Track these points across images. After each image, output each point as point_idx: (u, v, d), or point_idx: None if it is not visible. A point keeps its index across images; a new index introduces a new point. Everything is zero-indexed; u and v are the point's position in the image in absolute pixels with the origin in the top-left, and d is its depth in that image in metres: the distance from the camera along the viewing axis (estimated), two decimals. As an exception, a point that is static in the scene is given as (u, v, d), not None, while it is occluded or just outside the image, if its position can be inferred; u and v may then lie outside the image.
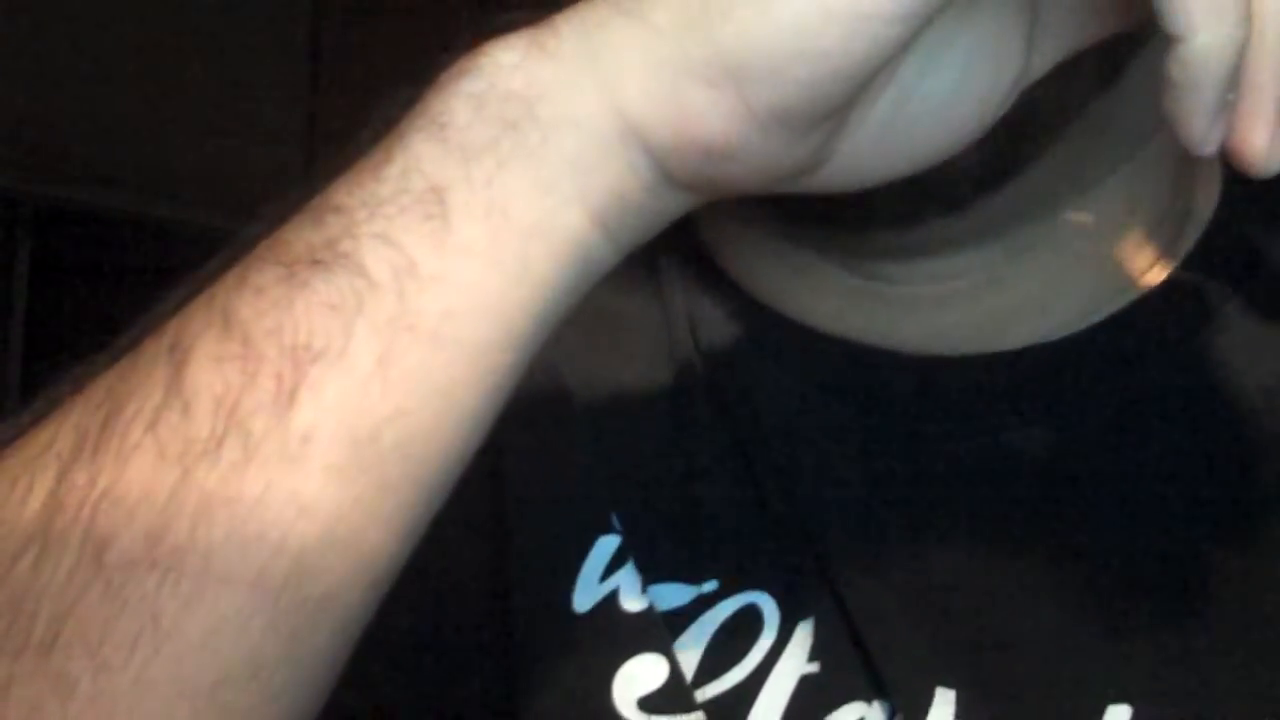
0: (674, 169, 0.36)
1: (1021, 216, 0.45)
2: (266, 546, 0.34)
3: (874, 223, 0.44)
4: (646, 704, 0.44)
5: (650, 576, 0.45)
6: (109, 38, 2.47)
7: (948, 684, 0.43)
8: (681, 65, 0.35)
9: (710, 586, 0.45)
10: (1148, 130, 0.46)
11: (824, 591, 0.44)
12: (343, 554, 0.35)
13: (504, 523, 0.46)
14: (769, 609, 0.45)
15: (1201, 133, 0.34)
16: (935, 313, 0.47)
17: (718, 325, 0.48)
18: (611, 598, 0.45)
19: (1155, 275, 0.47)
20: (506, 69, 0.36)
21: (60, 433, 0.36)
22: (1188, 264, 0.47)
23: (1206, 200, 0.48)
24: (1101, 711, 0.42)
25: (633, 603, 0.45)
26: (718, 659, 0.44)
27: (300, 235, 0.36)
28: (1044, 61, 0.38)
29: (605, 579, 0.45)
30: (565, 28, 0.36)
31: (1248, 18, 0.33)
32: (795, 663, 0.44)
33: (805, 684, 0.44)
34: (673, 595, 0.45)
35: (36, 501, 0.35)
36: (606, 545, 0.46)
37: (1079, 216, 0.46)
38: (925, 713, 0.43)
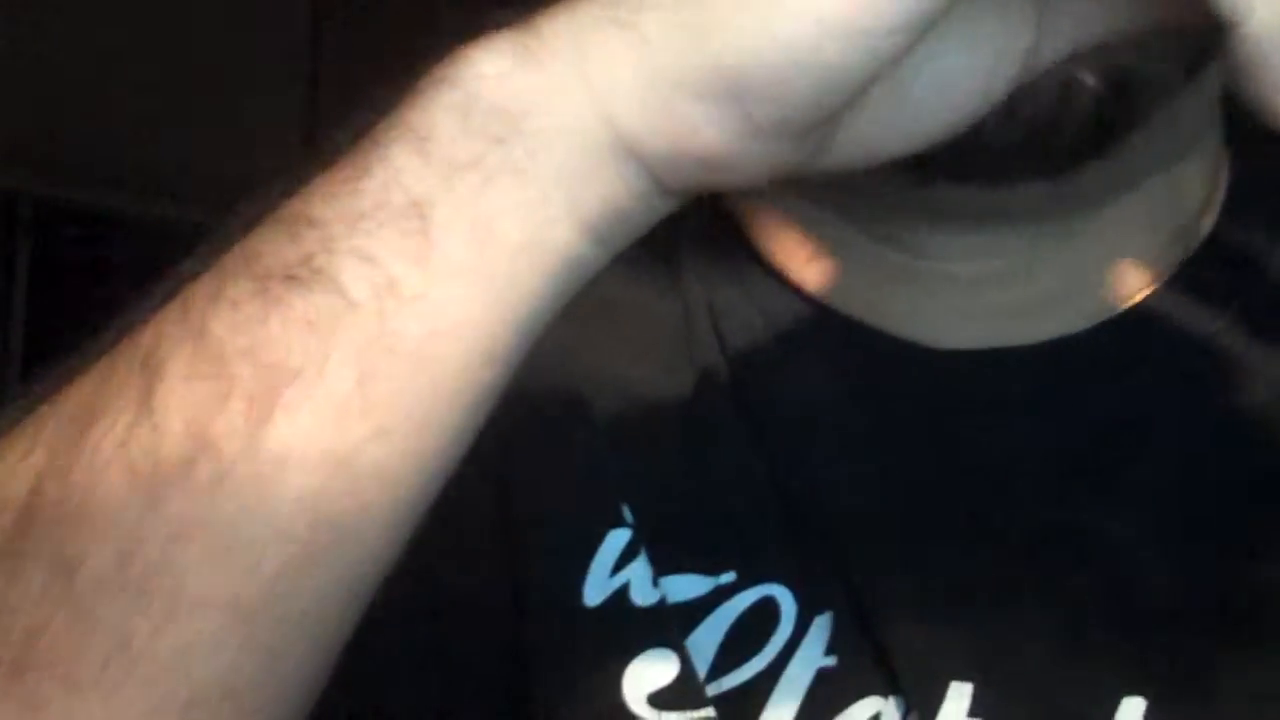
0: (667, 178, 0.36)
1: (1078, 199, 0.45)
2: (240, 569, 0.33)
3: (957, 176, 0.43)
4: (657, 699, 0.44)
5: (666, 568, 0.45)
6: (109, 38, 2.46)
7: (964, 678, 0.43)
8: (677, 78, 0.34)
9: (728, 578, 0.45)
10: (1199, 132, 0.47)
11: (842, 585, 0.44)
12: (321, 574, 0.34)
13: (513, 518, 0.46)
14: (786, 602, 0.45)
15: None
16: (965, 296, 0.46)
17: (740, 313, 0.48)
18: (622, 592, 0.45)
19: (1169, 272, 0.47)
20: (491, 79, 0.35)
21: (35, 443, 0.35)
22: (1197, 260, 0.47)
23: (1214, 202, 0.48)
24: (1116, 704, 0.42)
25: (644, 597, 0.45)
26: (734, 651, 0.44)
27: (275, 248, 0.35)
28: (1059, 42, 0.37)
29: (616, 573, 0.45)
30: (553, 36, 0.35)
31: None
32: (812, 656, 0.44)
33: (821, 677, 0.44)
34: (690, 586, 0.45)
35: (10, 514, 0.35)
36: (617, 539, 0.46)
37: (1122, 210, 0.46)
38: (938, 707, 0.43)
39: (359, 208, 0.35)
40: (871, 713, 0.44)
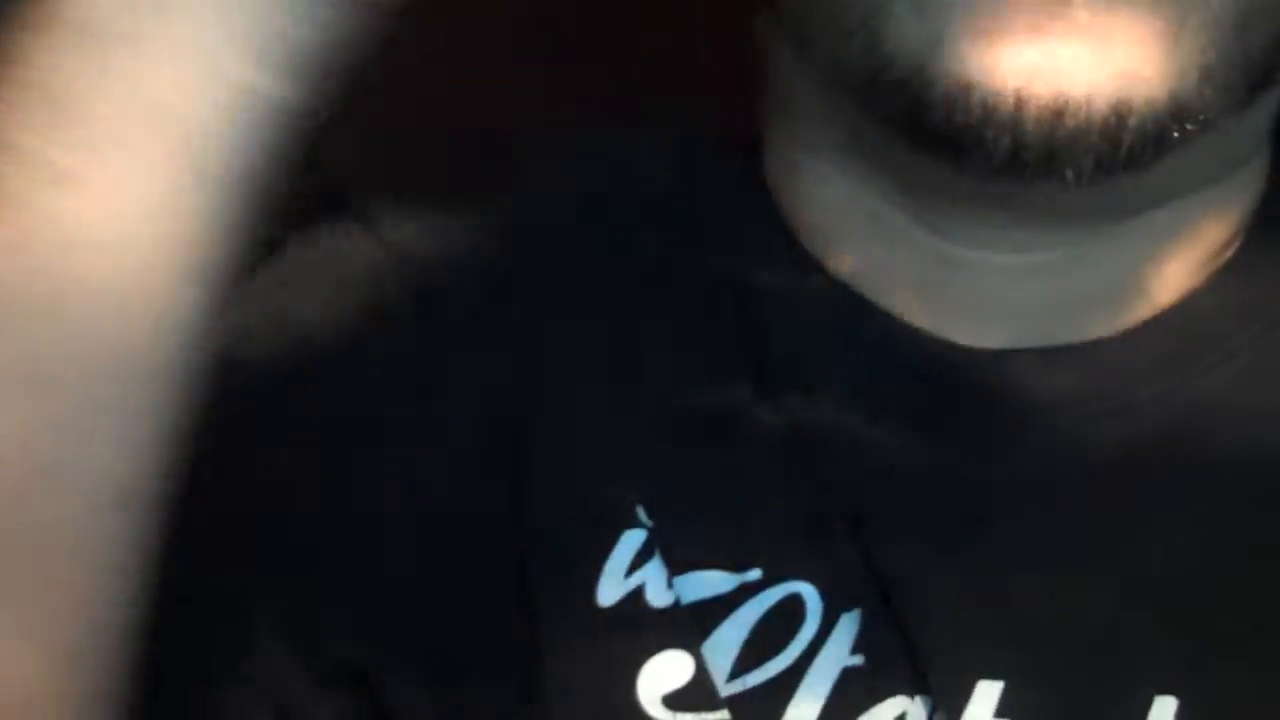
0: None
1: (1115, 204, 0.45)
2: None
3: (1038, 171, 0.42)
4: (672, 701, 0.44)
5: (685, 566, 0.45)
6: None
7: (992, 676, 0.43)
8: None
9: (753, 575, 0.45)
10: (1247, 158, 0.47)
11: (870, 583, 0.44)
12: None
13: (526, 517, 0.46)
14: (812, 599, 0.44)
15: None
16: (1003, 289, 0.46)
17: (770, 304, 0.48)
18: (637, 593, 0.45)
19: (1204, 277, 0.47)
20: None
21: None
22: (1235, 264, 0.47)
23: (1251, 206, 0.49)
24: (1149, 703, 0.42)
25: (659, 598, 0.45)
26: (758, 649, 0.44)
27: None
28: None
29: (631, 574, 0.45)
30: None
31: None
32: (837, 655, 0.44)
33: (847, 676, 0.44)
34: (714, 583, 0.45)
35: None
36: (632, 539, 0.45)
37: (1169, 216, 0.46)
38: (965, 706, 0.43)
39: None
40: (897, 712, 0.43)
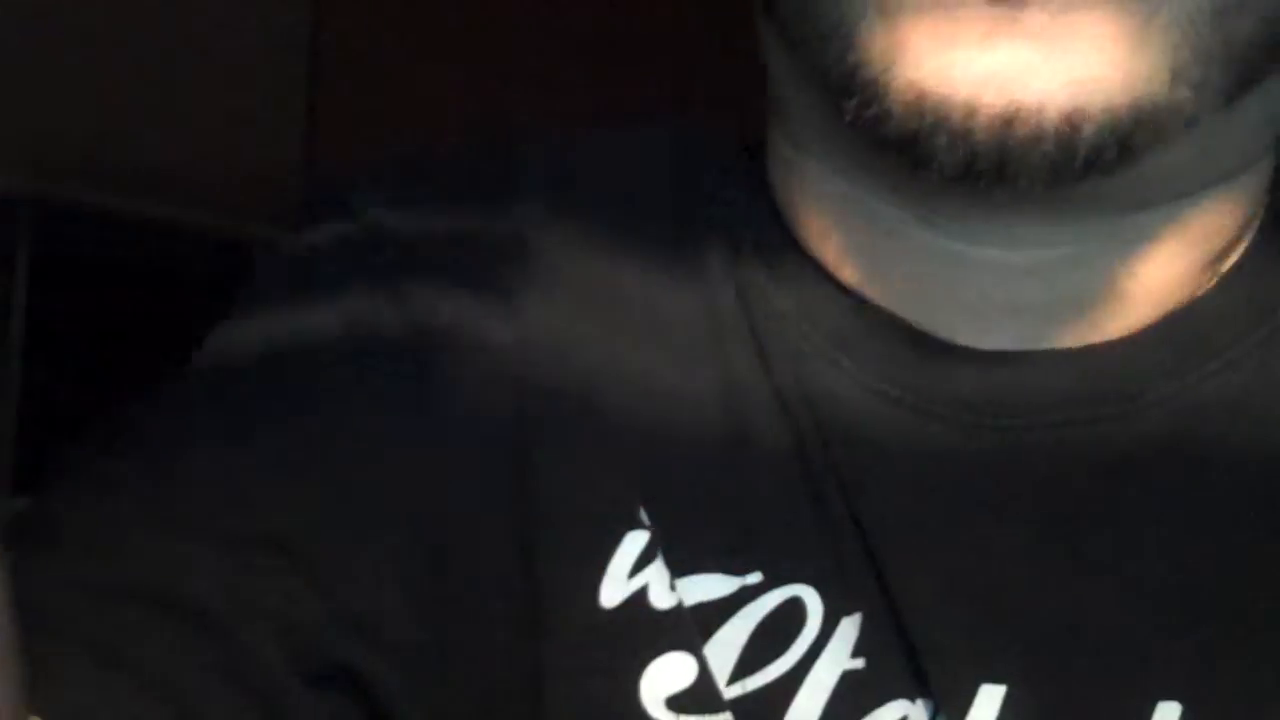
0: None
1: (1104, 204, 0.44)
2: None
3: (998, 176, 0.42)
4: (674, 703, 0.44)
5: (687, 568, 0.45)
6: (108, 38, 2.46)
7: (996, 679, 0.43)
8: None
9: (754, 578, 0.45)
10: (1247, 160, 0.46)
11: (872, 586, 0.44)
12: None
13: (530, 518, 0.46)
14: (813, 602, 0.44)
15: None
16: (1007, 288, 0.46)
17: (773, 307, 0.48)
18: (640, 594, 0.45)
19: (1204, 285, 0.47)
20: None
21: None
22: (1236, 271, 0.47)
23: (1263, 204, 0.48)
24: (1151, 708, 0.42)
25: (662, 600, 0.45)
26: (759, 652, 0.44)
27: None
28: None
29: (634, 575, 0.45)
30: None
31: None
32: (838, 658, 0.44)
33: (847, 680, 0.44)
34: (715, 586, 0.45)
35: None
36: (635, 541, 0.45)
37: (1172, 219, 0.46)
38: (967, 710, 0.42)
39: None
40: (898, 716, 0.43)
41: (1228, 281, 0.47)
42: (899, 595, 0.44)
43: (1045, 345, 0.46)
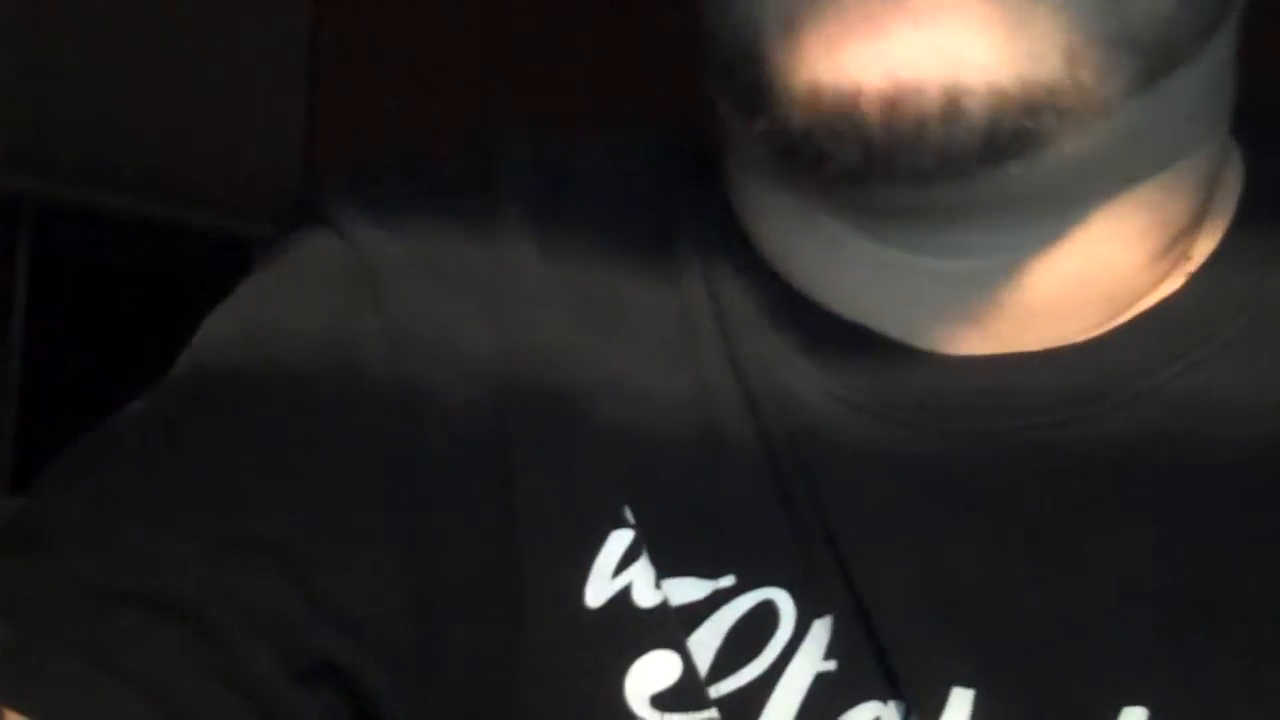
0: None
1: (1036, 203, 0.45)
2: None
3: (876, 180, 0.43)
4: (659, 701, 0.44)
5: (664, 570, 0.45)
6: (108, 37, 2.46)
7: (965, 683, 0.43)
8: None
9: (727, 581, 0.45)
10: (1184, 146, 0.46)
11: (842, 589, 0.44)
12: None
13: (514, 518, 0.46)
14: (785, 605, 0.44)
15: None
16: (959, 295, 0.46)
17: (742, 314, 0.48)
18: (624, 593, 0.45)
19: (1172, 283, 0.47)
20: None
21: None
22: (1204, 271, 0.47)
23: (1224, 210, 0.48)
24: (1117, 713, 0.42)
25: (646, 598, 0.45)
26: (733, 655, 0.44)
27: None
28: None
29: (618, 574, 0.45)
30: None
31: None
32: (811, 660, 0.44)
33: (821, 682, 0.44)
34: (688, 590, 0.45)
35: None
36: (619, 540, 0.45)
37: (1112, 215, 0.46)
38: (940, 712, 0.42)
39: None
40: (871, 717, 0.43)
41: (1197, 280, 0.47)
42: (868, 599, 0.44)
43: (1008, 349, 0.46)
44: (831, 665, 0.44)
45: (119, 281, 2.48)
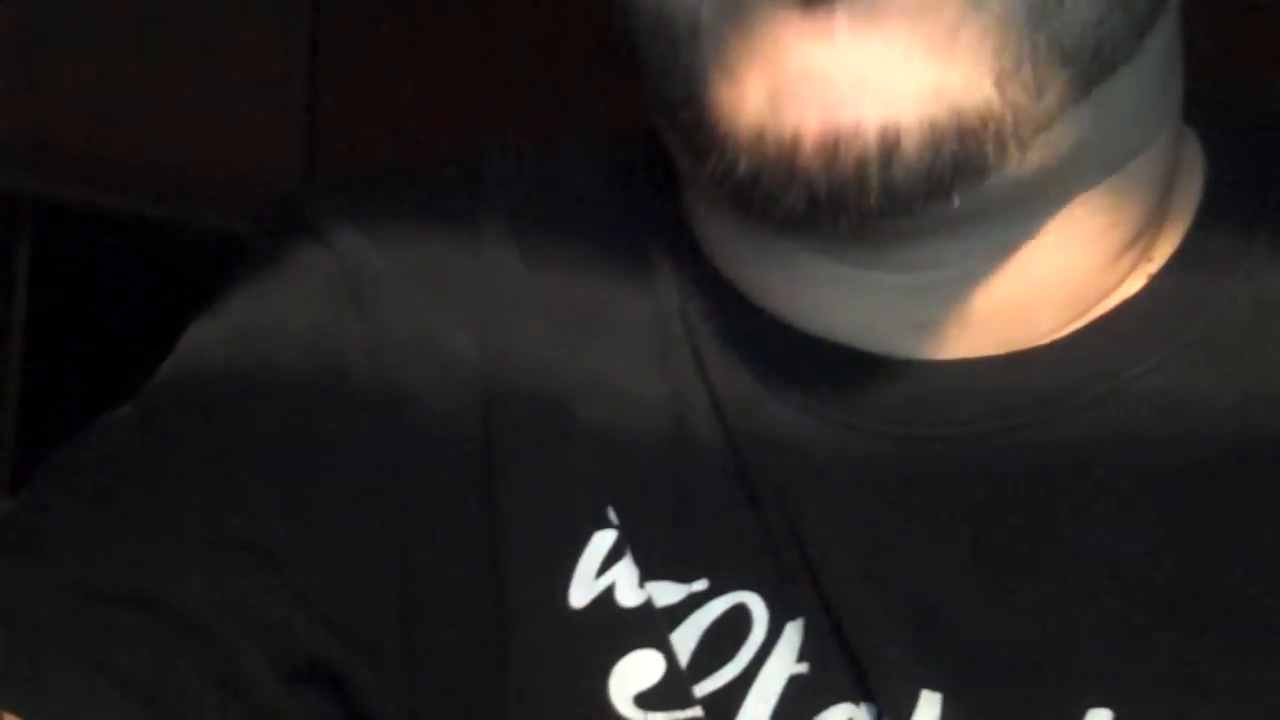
0: None
1: (986, 219, 0.45)
2: None
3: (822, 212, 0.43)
4: (643, 700, 0.44)
5: (646, 573, 0.45)
6: (108, 38, 2.47)
7: (933, 687, 0.43)
8: None
9: (700, 585, 0.45)
10: (1132, 147, 0.46)
11: (812, 593, 0.45)
12: None
13: (498, 520, 0.46)
14: (758, 608, 0.45)
15: None
16: (916, 306, 0.46)
17: (709, 324, 0.48)
18: (608, 593, 0.45)
19: (1133, 284, 0.47)
20: None
21: None
22: (1166, 271, 0.47)
23: (1185, 210, 0.48)
24: (1081, 715, 0.42)
25: (629, 597, 0.45)
26: (708, 658, 0.45)
27: None
28: None
29: (601, 574, 0.45)
30: None
31: None
32: (784, 663, 0.44)
33: (794, 684, 0.44)
34: (664, 594, 0.45)
35: None
36: (603, 540, 0.46)
37: (1065, 220, 0.46)
38: (910, 716, 0.43)
39: None
40: (844, 718, 0.44)
41: (1158, 281, 0.47)
42: (837, 603, 0.44)
43: (969, 353, 0.46)
44: (804, 668, 0.44)
45: (119, 281, 2.48)
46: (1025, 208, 0.45)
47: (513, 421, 0.47)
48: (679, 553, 0.46)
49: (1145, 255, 0.47)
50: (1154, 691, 0.43)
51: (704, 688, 0.44)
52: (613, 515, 0.46)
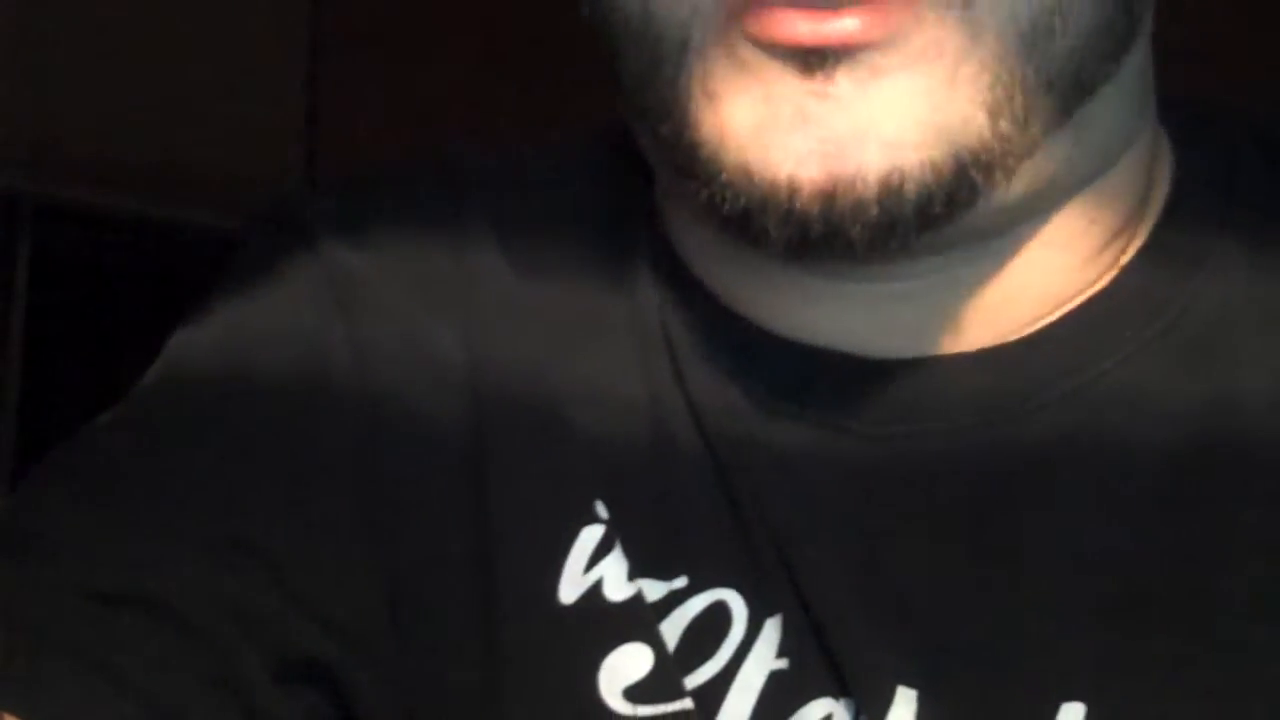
0: None
1: (980, 234, 0.45)
2: None
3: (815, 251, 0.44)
4: (633, 693, 0.45)
5: (633, 570, 0.46)
6: (108, 37, 2.47)
7: (908, 683, 0.43)
8: None
9: (680, 583, 0.46)
10: (1111, 158, 0.46)
11: (789, 590, 0.45)
12: None
13: (486, 518, 0.47)
14: (737, 605, 0.45)
15: None
16: (893, 310, 0.47)
17: (686, 329, 0.49)
18: (596, 588, 0.46)
19: (1106, 278, 0.47)
20: None
21: None
22: (1132, 267, 0.47)
23: (1155, 206, 0.48)
24: (1055, 710, 0.43)
25: (617, 592, 0.45)
26: (689, 655, 0.45)
27: None
28: None
29: (590, 569, 0.46)
30: None
31: None
32: (764, 659, 0.45)
33: (774, 680, 0.45)
34: (649, 590, 0.46)
35: None
36: (590, 535, 0.46)
37: (1044, 226, 0.46)
38: (886, 711, 0.43)
39: None
40: (824, 714, 0.44)
41: (1123, 277, 0.47)
42: (814, 600, 0.45)
43: (939, 350, 0.46)
44: (784, 664, 0.45)
45: (119, 281, 2.48)
46: (1006, 225, 0.45)
47: (500, 423, 0.47)
48: (659, 550, 0.46)
49: (1122, 251, 0.47)
50: (1127, 685, 0.43)
51: (687, 683, 0.45)
52: (601, 510, 0.46)
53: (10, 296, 2.40)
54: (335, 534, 0.47)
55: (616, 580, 0.46)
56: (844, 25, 0.40)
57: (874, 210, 0.40)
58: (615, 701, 0.45)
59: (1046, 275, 0.46)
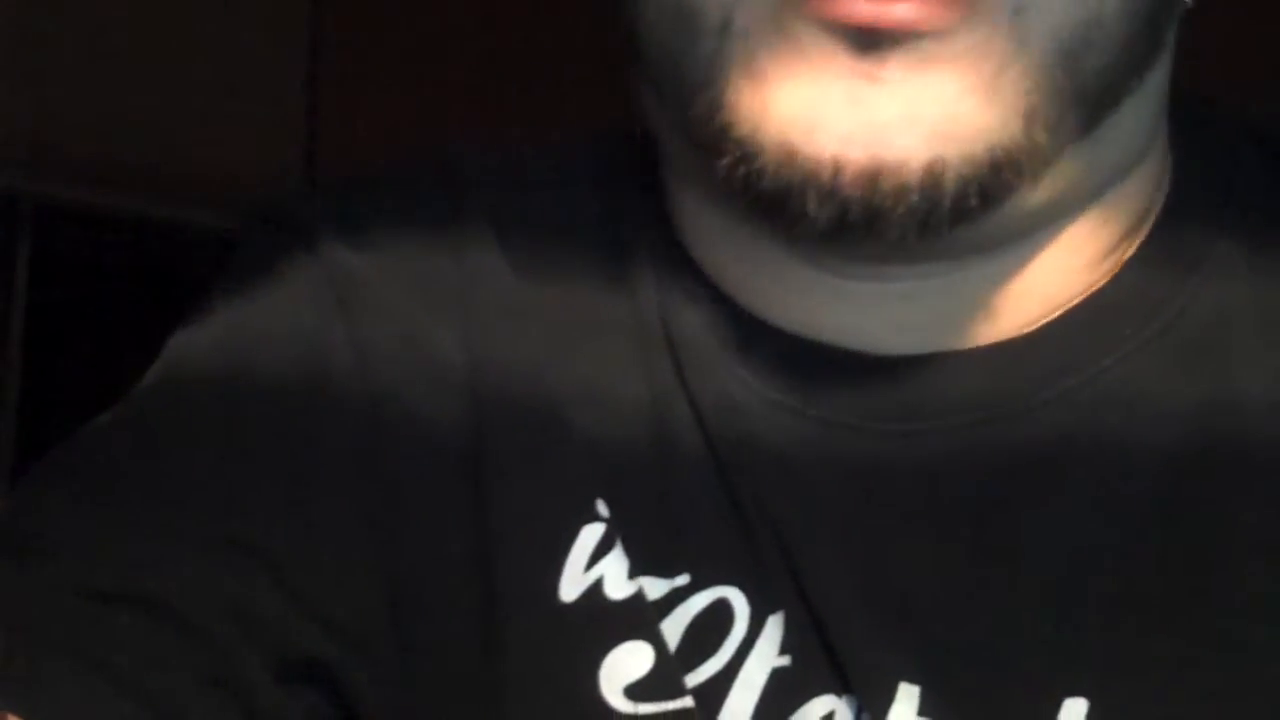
0: None
1: (995, 240, 0.45)
2: None
3: (832, 244, 0.44)
4: (634, 691, 0.45)
5: (634, 568, 0.46)
6: (109, 37, 2.47)
7: (911, 679, 0.43)
8: None
9: (683, 580, 0.46)
10: (1127, 167, 0.47)
11: (791, 587, 0.45)
12: None
13: (487, 518, 0.47)
14: (739, 603, 0.46)
15: None
16: (899, 308, 0.47)
17: (688, 327, 0.49)
18: (597, 586, 0.46)
19: (1106, 277, 0.47)
20: None
21: None
22: (1131, 266, 0.47)
23: (1156, 206, 0.48)
24: (1058, 705, 0.43)
25: (618, 590, 0.46)
26: (691, 652, 0.45)
27: None
28: None
29: (590, 568, 0.46)
30: None
31: None
32: (766, 656, 0.45)
33: (776, 676, 0.45)
34: (651, 588, 0.46)
35: None
36: (591, 534, 0.46)
37: (1047, 239, 0.46)
38: (889, 707, 0.43)
39: None
40: (825, 711, 0.44)
41: (1122, 276, 0.47)
42: (815, 597, 0.45)
43: (942, 348, 0.47)
44: (786, 661, 0.45)
45: (119, 281, 2.48)
46: (1022, 230, 0.46)
47: (501, 423, 0.47)
48: (661, 548, 0.46)
49: (1124, 251, 0.48)
50: (1129, 682, 0.43)
51: (690, 681, 0.45)
52: (601, 508, 0.46)
53: (10, 296, 2.40)
54: (335, 534, 0.47)
55: (617, 578, 0.46)
56: (903, 10, 0.40)
57: (914, 197, 0.41)
58: (616, 700, 0.45)
59: (1052, 277, 0.47)
